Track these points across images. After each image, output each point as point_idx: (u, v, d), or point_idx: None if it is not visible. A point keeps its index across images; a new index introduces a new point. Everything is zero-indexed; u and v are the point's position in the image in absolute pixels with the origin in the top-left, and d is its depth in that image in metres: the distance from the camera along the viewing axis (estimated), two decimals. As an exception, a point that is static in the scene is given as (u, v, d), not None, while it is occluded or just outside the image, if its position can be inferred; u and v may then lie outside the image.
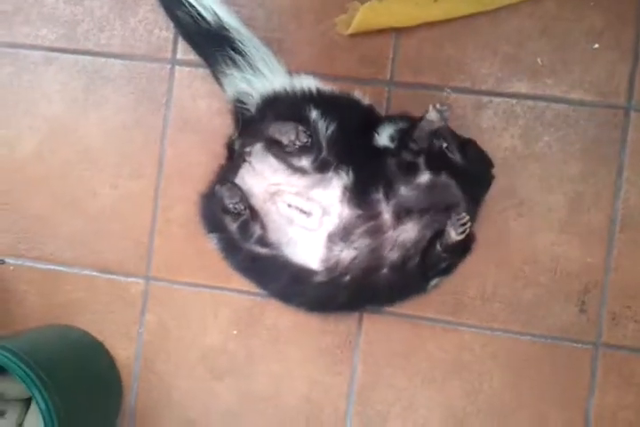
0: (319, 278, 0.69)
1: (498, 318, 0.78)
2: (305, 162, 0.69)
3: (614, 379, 0.77)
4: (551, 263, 0.78)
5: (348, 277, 0.69)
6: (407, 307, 0.78)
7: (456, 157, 0.70)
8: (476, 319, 0.78)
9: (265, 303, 0.81)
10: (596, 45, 0.79)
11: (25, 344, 0.72)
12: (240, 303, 0.81)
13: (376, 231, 0.69)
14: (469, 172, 0.70)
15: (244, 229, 0.70)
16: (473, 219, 0.69)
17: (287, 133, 0.66)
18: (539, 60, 0.80)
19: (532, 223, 0.78)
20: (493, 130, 0.80)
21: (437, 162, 0.69)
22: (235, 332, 0.81)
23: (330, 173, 0.69)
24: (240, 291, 0.81)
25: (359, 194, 0.69)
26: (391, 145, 0.71)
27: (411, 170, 0.69)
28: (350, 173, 0.69)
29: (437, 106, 0.67)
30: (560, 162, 0.78)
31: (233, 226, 0.70)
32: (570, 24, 0.79)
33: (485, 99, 0.80)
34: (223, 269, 0.77)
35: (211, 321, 0.82)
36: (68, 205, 0.84)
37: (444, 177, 0.69)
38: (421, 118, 0.68)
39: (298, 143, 0.66)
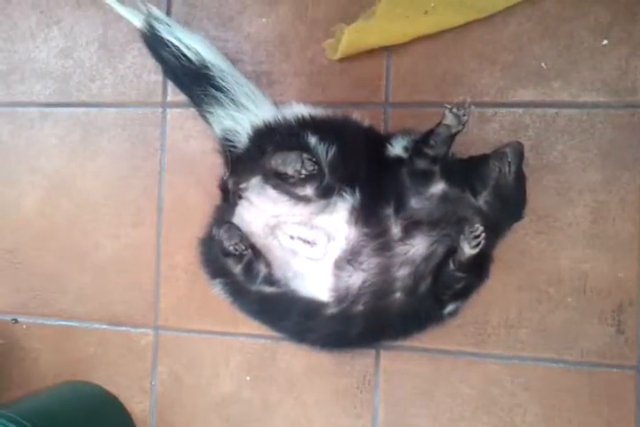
0: (330, 311, 0.85)
1: (526, 346, 0.92)
2: (309, 190, 0.84)
3: (663, 407, 0.86)
4: (579, 282, 0.91)
5: (360, 306, 0.84)
6: (426, 340, 0.94)
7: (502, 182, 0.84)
8: (501, 349, 0.93)
9: (276, 346, 1.00)
10: (605, 41, 0.93)
11: (33, 408, 0.92)
12: (251, 348, 1.01)
13: (384, 248, 0.83)
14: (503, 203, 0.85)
15: (249, 269, 0.86)
16: (491, 246, 0.87)
17: (292, 163, 0.81)
18: (543, 64, 0.94)
19: (554, 240, 0.92)
20: (501, 144, 1.00)
21: (456, 174, 0.84)
22: (248, 378, 1.01)
23: (334, 198, 0.85)
24: (250, 335, 1.01)
25: (367, 211, 0.84)
26: (404, 155, 0.86)
27: (424, 179, 0.84)
28: (357, 192, 0.84)
29: (454, 109, 0.79)
30: (578, 171, 0.92)
31: (237, 268, 0.87)
32: (573, 22, 0.93)
33: (489, 111, 0.95)
34: (231, 313, 0.97)
35: (223, 368, 1.02)
36: (73, 260, 1.08)
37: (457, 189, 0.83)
38: (439, 124, 0.81)
39: (304, 172, 0.81)
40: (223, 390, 1.02)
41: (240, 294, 0.91)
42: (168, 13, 1.05)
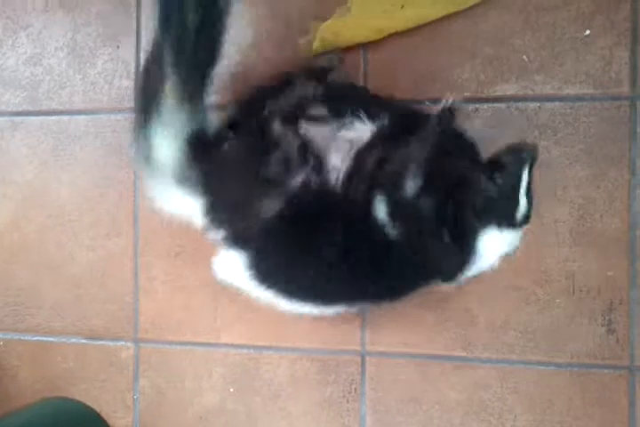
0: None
1: (515, 349, 0.93)
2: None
3: (658, 407, 0.87)
4: (567, 282, 0.92)
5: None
6: (412, 345, 0.96)
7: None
8: (490, 352, 0.94)
9: (259, 356, 1.00)
10: (588, 32, 0.93)
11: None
12: (233, 359, 1.01)
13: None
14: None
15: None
16: None
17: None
18: (524, 56, 0.95)
19: (540, 239, 0.93)
20: (484, 140, 1.00)
21: None
22: (232, 389, 1.02)
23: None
24: (232, 345, 1.01)
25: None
26: None
27: None
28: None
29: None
30: (563, 167, 0.93)
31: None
32: (555, 13, 0.93)
33: (470, 106, 0.96)
34: (211, 324, 1.00)
35: (205, 381, 1.02)
36: (48, 273, 1.08)
37: None
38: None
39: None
40: (207, 403, 1.03)
41: None
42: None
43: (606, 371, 0.91)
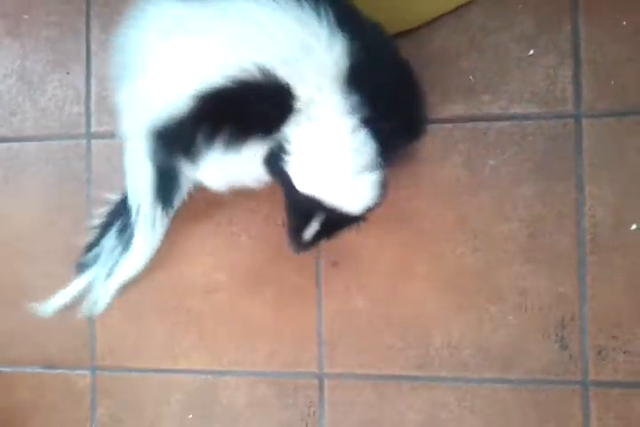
0: None
1: (470, 367, 0.93)
2: None
3: (611, 421, 0.90)
4: (519, 299, 0.93)
5: None
6: (368, 366, 0.97)
7: None
8: (446, 371, 0.94)
9: (217, 381, 1.00)
10: (531, 51, 0.95)
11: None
12: (191, 384, 1.01)
13: None
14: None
15: None
16: None
17: None
18: (470, 77, 1.03)
19: (491, 257, 0.94)
20: (433, 160, 1.01)
21: None
22: (190, 416, 1.01)
23: None
24: (189, 371, 1.01)
25: None
26: None
27: None
28: None
29: None
30: (511, 186, 0.94)
31: None
32: (499, 33, 0.95)
33: None
34: (168, 349, 1.01)
35: (164, 407, 1.02)
36: (3, 303, 1.08)
37: None
38: None
39: None
40: (166, 431, 1.02)
41: None
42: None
43: (560, 387, 0.93)
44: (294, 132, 0.80)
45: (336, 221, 0.83)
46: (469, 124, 0.97)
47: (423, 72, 0.98)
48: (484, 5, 0.97)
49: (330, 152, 0.81)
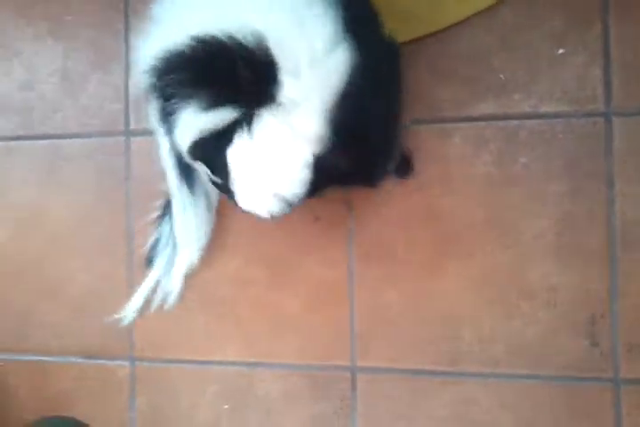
0: None
1: (500, 363, 0.95)
2: None
3: (642, 417, 0.89)
4: (549, 295, 0.94)
5: None
6: (400, 360, 0.99)
7: None
8: (476, 366, 0.96)
9: (252, 373, 1.03)
10: (561, 50, 0.95)
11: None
12: (227, 375, 1.04)
13: None
14: None
15: None
16: None
17: None
18: (501, 75, 1.03)
19: (521, 254, 0.95)
20: (463, 159, 0.99)
21: None
22: (226, 406, 1.05)
23: None
24: (225, 362, 1.04)
25: None
26: None
27: None
28: None
29: None
30: (542, 183, 0.95)
31: None
32: (529, 32, 0.96)
33: (449, 126, 0.98)
34: (205, 341, 1.04)
35: (200, 398, 1.05)
36: (46, 294, 1.11)
37: None
38: None
39: None
40: (202, 420, 1.06)
41: None
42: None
43: (591, 383, 0.93)
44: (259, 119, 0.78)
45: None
46: (500, 123, 0.98)
47: (454, 71, 0.99)
48: (514, 5, 0.97)
49: (274, 158, 0.80)
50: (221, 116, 0.78)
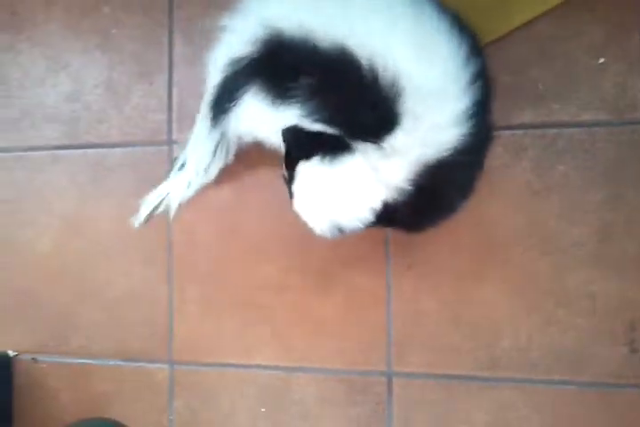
0: None
1: (538, 369, 0.95)
2: None
3: (682, 426, 0.90)
4: (587, 302, 0.95)
5: None
6: (437, 366, 1.00)
7: None
8: (514, 372, 0.96)
9: (289, 377, 1.05)
10: (602, 60, 0.97)
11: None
12: (265, 379, 1.06)
13: None
14: None
15: None
16: None
17: None
18: (540, 85, 1.05)
19: (560, 261, 0.96)
20: (504, 166, 1.01)
21: None
22: (263, 409, 1.06)
23: None
24: (263, 366, 1.06)
25: None
26: None
27: None
28: None
29: None
30: (581, 191, 0.96)
31: None
32: (568, 42, 0.97)
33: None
34: (242, 345, 1.06)
35: (238, 401, 1.07)
36: (87, 298, 1.14)
37: None
38: None
39: None
40: (240, 423, 1.07)
41: None
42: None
43: (630, 390, 0.93)
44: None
45: None
46: (539, 131, 0.99)
47: (495, 80, 1.00)
48: (553, 15, 0.99)
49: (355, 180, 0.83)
50: (322, 129, 0.79)
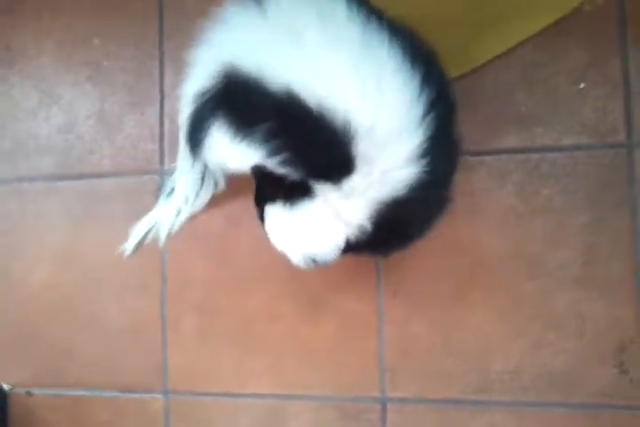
0: None
1: (529, 392, 0.96)
2: None
3: (674, 446, 0.91)
4: (576, 325, 0.96)
5: None
6: (429, 391, 1.01)
7: None
8: (505, 396, 0.97)
9: (285, 405, 1.05)
10: (582, 85, 0.99)
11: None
12: (260, 408, 1.06)
13: None
14: None
15: None
16: None
17: None
18: (523, 109, 1.09)
19: (546, 284, 0.97)
20: (487, 190, 1.02)
21: None
22: (259, 438, 1.08)
23: None
24: (258, 395, 1.06)
25: None
26: None
27: None
28: None
29: None
30: (565, 214, 0.98)
31: None
32: (549, 67, 1.00)
33: (474, 159, 1.02)
34: (236, 375, 1.07)
35: (234, 429, 1.08)
36: (82, 329, 1.15)
37: None
38: None
39: None
40: (235, 452, 1.07)
41: None
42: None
43: (621, 411, 0.94)
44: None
45: None
46: (522, 156, 1.02)
47: (477, 106, 1.03)
48: (534, 42, 1.02)
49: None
50: (284, 170, 0.79)
